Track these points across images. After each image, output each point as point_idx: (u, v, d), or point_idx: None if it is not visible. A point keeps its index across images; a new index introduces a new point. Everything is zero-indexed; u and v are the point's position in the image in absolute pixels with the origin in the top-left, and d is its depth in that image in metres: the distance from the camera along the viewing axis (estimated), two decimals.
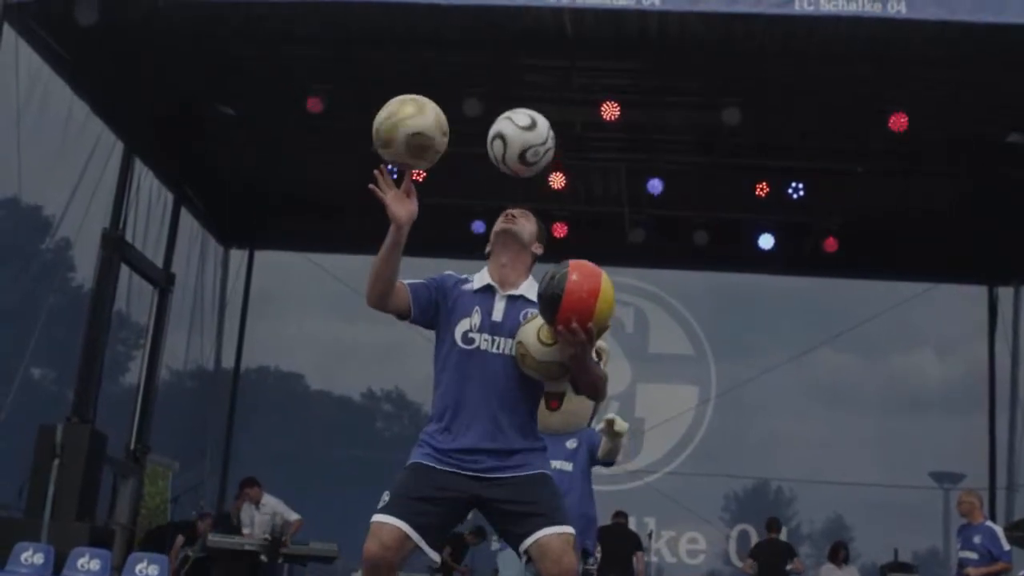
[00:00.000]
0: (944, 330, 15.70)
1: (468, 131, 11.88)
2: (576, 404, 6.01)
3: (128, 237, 12.20)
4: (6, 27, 9.78)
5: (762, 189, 12.87)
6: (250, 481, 12.29)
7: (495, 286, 3.97)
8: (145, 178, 12.70)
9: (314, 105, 10.89)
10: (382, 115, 3.60)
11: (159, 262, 13.27)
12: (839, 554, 12.92)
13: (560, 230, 13.69)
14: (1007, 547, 9.39)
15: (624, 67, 11.06)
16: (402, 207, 3.65)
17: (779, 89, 11.00)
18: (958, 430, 15.07)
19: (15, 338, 11.03)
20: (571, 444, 6.01)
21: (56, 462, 10.34)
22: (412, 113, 3.59)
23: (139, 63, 10.95)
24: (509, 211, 4.08)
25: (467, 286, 3.98)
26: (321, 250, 14.72)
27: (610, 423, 5.79)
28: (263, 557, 10.29)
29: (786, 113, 11.44)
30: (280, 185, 13.58)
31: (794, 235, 13.92)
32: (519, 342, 3.79)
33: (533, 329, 3.75)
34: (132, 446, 12.59)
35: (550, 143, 3.79)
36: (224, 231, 15.26)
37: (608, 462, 6.02)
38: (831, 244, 13.73)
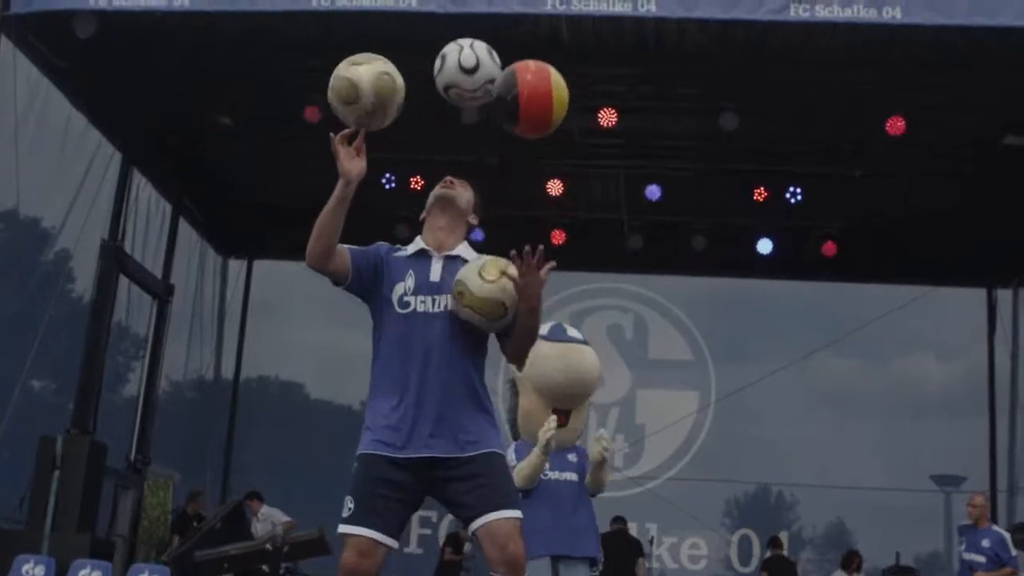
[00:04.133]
0: (944, 333, 15.69)
1: (465, 139, 11.97)
2: (574, 421, 6.08)
3: (127, 248, 12.21)
4: (3, 39, 9.80)
5: (760, 194, 12.89)
6: (250, 495, 12.35)
7: (430, 250, 3.94)
8: (143, 189, 12.71)
9: (312, 115, 10.89)
10: (380, 70, 3.66)
11: (158, 273, 13.27)
12: (853, 562, 12.82)
13: (558, 237, 13.70)
14: (1014, 553, 9.49)
15: (621, 73, 11.07)
16: (354, 164, 3.70)
17: (777, 94, 11.02)
18: (959, 433, 15.05)
19: (15, 349, 11.02)
20: (572, 457, 6.05)
21: (56, 473, 10.35)
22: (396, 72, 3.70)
23: (137, 74, 10.96)
24: (448, 177, 4.08)
25: (399, 253, 3.96)
26: None
27: (602, 444, 5.84)
28: (264, 567, 10.26)
29: (784, 118, 11.45)
30: (278, 194, 13.58)
31: (793, 239, 13.93)
32: (458, 280, 3.76)
33: (475, 267, 3.74)
34: (132, 457, 12.59)
35: (480, 95, 3.75)
36: (223, 241, 15.27)
37: (595, 492, 6.07)
38: (830, 248, 13.75)
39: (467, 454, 3.73)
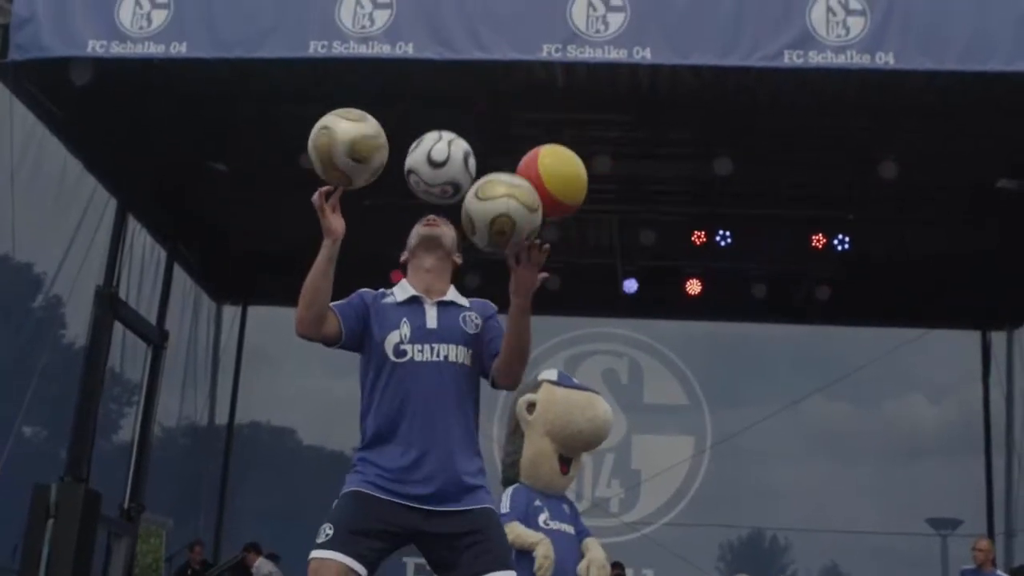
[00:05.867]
0: (938, 376, 15.72)
1: None
2: (573, 469, 6.07)
3: (122, 294, 12.17)
4: (0, 86, 9.82)
5: (754, 238, 12.93)
6: (248, 547, 12.31)
7: (421, 296, 3.84)
8: (138, 235, 12.70)
9: (307, 161, 10.89)
10: (364, 131, 3.52)
11: (152, 319, 13.22)
12: None
13: (553, 282, 13.70)
14: None
15: (616, 119, 11.13)
16: (339, 221, 3.59)
17: (770, 139, 11.08)
18: (954, 476, 15.02)
19: (7, 396, 10.96)
20: (566, 508, 6.01)
21: (51, 522, 10.24)
22: (381, 135, 3.57)
23: (133, 121, 10.99)
24: (431, 215, 4.00)
25: (388, 299, 3.85)
26: None
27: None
28: None
29: (778, 163, 11.51)
30: (273, 241, 13.58)
31: (787, 283, 13.96)
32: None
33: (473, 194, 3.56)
34: (126, 505, 12.48)
35: (436, 192, 3.62)
36: (217, 287, 15.25)
37: None
38: (824, 292, 13.79)
39: (463, 508, 3.65)
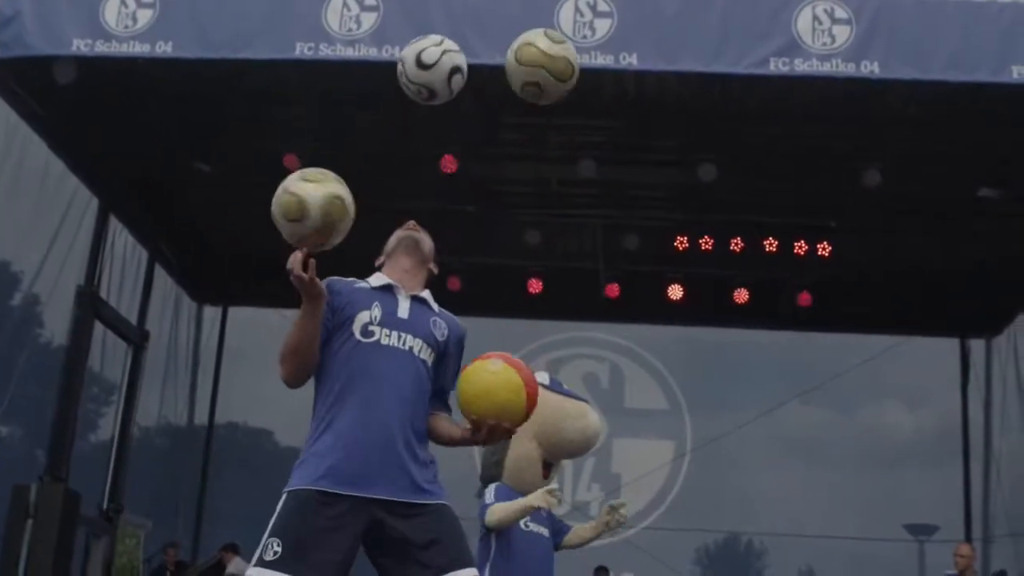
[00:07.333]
0: (917, 383, 15.82)
1: (443, 187, 11.94)
2: (554, 473, 6.08)
3: (102, 294, 12.11)
4: None
5: (737, 244, 12.96)
6: (226, 547, 12.27)
7: (396, 285, 3.78)
8: (120, 235, 12.64)
9: (291, 163, 10.86)
10: (333, 192, 3.38)
11: (133, 319, 13.16)
12: None
13: (535, 286, 13.72)
14: None
15: (601, 125, 11.13)
16: (318, 281, 3.47)
17: (755, 146, 11.10)
18: (932, 482, 15.12)
19: None
20: (543, 511, 5.99)
21: (30, 522, 10.19)
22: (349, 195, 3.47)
23: (117, 120, 10.92)
24: (412, 222, 3.99)
25: (360, 285, 3.79)
26: (293, 306, 14.55)
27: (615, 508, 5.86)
28: None
29: (761, 169, 11.53)
30: (254, 242, 13.41)
31: (769, 290, 13.99)
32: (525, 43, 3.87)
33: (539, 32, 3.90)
34: (105, 505, 12.43)
35: (412, 89, 3.75)
36: (198, 288, 15.17)
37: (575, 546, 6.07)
38: (805, 299, 13.82)
39: (422, 501, 3.54)
